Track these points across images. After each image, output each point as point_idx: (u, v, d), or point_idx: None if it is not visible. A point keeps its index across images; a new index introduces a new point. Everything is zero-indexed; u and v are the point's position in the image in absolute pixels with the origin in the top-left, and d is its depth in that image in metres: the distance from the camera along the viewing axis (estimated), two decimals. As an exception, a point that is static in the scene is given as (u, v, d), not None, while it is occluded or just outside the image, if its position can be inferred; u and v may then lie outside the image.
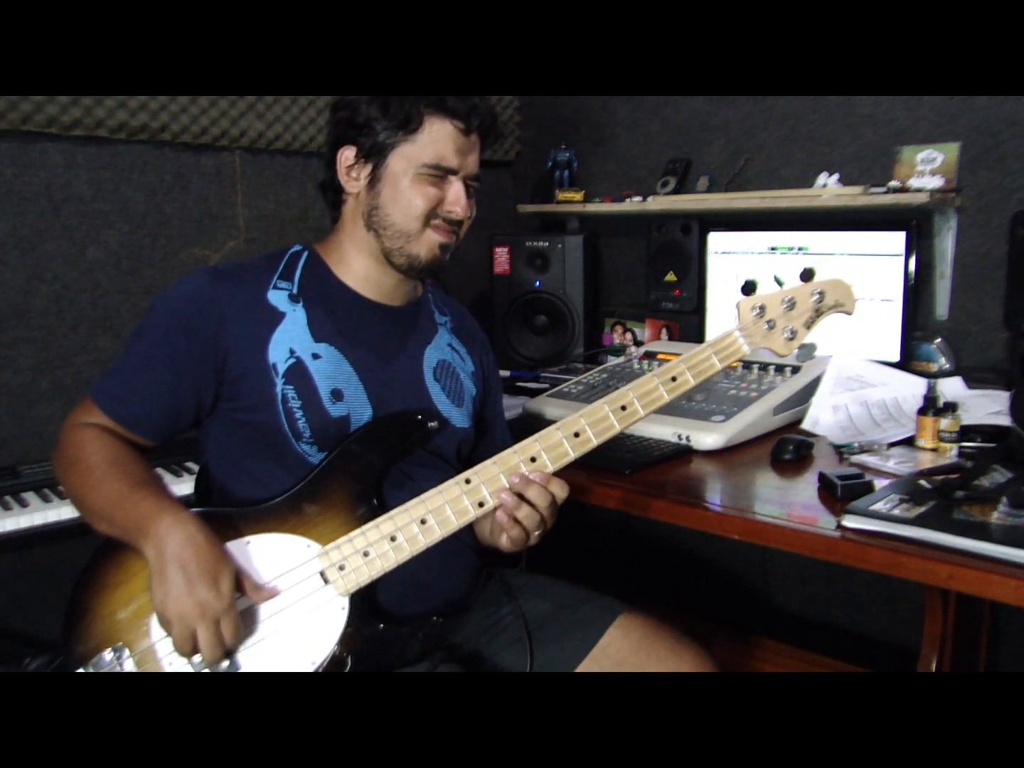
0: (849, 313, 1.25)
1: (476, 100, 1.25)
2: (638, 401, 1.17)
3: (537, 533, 1.16)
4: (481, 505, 1.13)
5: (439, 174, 1.23)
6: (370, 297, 1.29)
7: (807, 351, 1.23)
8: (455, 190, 1.24)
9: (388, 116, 1.21)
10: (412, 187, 1.22)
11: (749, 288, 1.22)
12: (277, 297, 1.23)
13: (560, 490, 1.14)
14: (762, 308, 1.20)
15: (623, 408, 1.16)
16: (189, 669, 1.08)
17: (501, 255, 2.49)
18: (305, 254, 1.29)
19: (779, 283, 1.23)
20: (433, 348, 1.34)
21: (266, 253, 1.30)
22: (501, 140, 1.32)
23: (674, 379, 1.18)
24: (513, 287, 2.50)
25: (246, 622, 1.10)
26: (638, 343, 2.40)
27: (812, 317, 1.22)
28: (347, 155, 1.25)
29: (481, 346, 1.45)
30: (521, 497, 1.13)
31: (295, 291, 1.24)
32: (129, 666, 1.09)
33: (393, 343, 1.29)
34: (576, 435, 1.15)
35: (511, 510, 1.12)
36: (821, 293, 1.22)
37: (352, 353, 1.24)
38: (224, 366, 1.18)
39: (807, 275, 1.22)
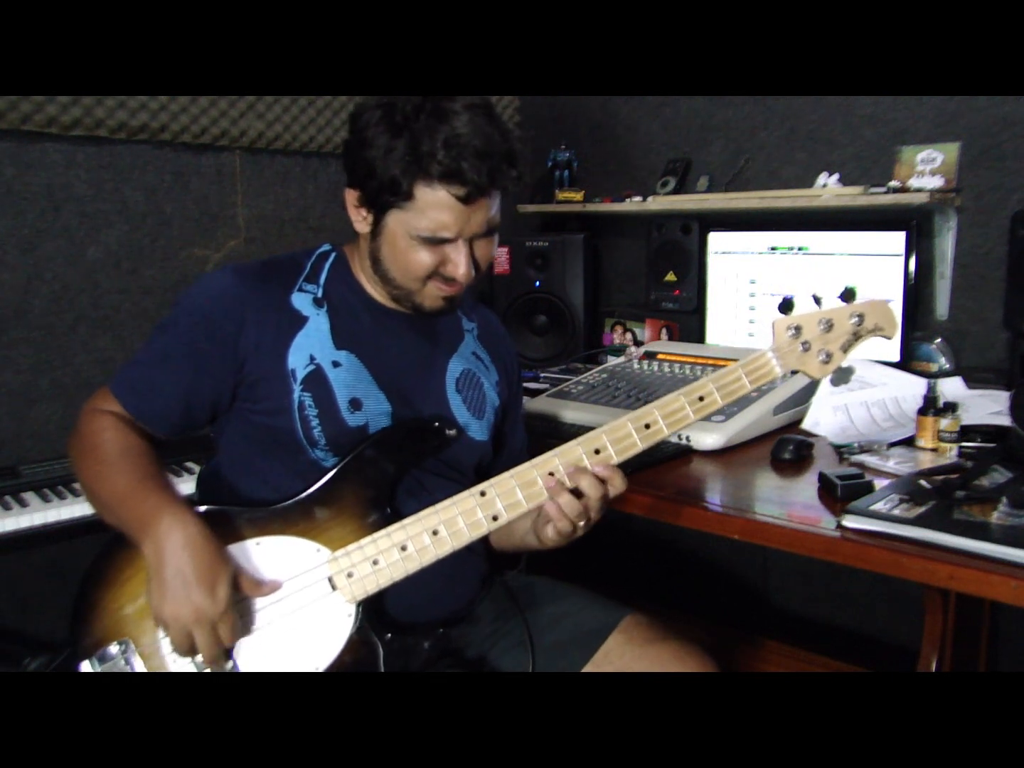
0: (889, 338, 1.18)
1: (479, 159, 1.09)
2: (663, 420, 1.13)
3: (582, 524, 1.13)
4: (495, 519, 1.11)
5: (437, 241, 1.15)
6: (394, 307, 1.26)
7: (843, 375, 1.17)
8: (456, 255, 1.16)
9: (378, 177, 1.12)
10: (410, 250, 1.15)
11: (786, 307, 1.15)
12: (301, 300, 1.20)
13: (620, 484, 1.12)
14: (798, 329, 1.15)
15: (647, 427, 1.13)
16: (192, 667, 1.08)
17: (501, 255, 2.49)
18: (333, 256, 1.26)
19: (817, 302, 1.17)
20: (458, 357, 1.31)
21: (295, 251, 1.27)
22: (521, 177, 1.17)
23: (702, 399, 1.14)
24: (513, 287, 2.49)
25: (251, 624, 1.09)
26: (638, 343, 2.40)
27: (850, 340, 1.16)
28: (353, 195, 1.18)
29: (507, 354, 1.41)
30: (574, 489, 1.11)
31: (320, 295, 1.22)
32: (135, 660, 1.08)
33: (416, 352, 1.27)
34: (597, 452, 1.12)
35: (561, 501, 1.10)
36: (861, 316, 1.16)
37: (373, 362, 1.22)
38: (243, 367, 1.17)
39: (848, 295, 1.16)
